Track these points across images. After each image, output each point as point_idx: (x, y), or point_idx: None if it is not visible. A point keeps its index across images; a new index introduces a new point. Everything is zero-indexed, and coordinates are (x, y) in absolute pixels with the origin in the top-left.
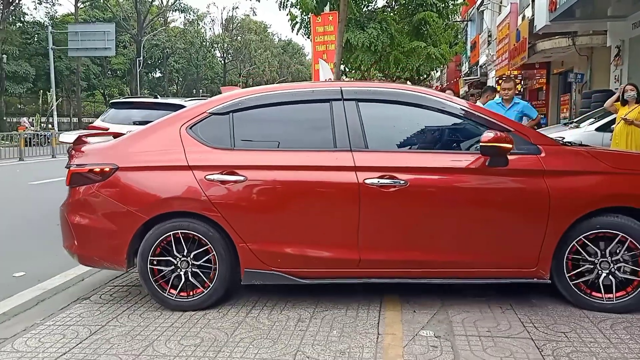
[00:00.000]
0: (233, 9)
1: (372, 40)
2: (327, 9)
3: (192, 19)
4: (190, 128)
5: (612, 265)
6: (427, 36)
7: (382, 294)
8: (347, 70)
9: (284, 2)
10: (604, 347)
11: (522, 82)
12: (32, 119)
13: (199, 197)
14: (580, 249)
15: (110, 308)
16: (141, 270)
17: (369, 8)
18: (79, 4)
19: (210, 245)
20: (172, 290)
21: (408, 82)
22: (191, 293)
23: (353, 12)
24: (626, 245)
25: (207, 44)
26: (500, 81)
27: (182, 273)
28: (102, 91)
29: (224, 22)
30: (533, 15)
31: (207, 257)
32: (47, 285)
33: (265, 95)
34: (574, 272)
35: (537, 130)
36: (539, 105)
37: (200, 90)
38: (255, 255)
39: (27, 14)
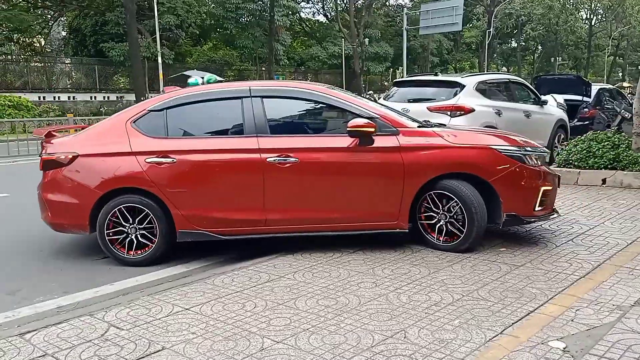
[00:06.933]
0: None
1: None
2: None
3: None
4: (134, 122)
5: (447, 217)
6: None
7: (553, 296)
8: None
9: None
10: None
11: None
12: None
13: (140, 175)
14: (427, 205)
15: (310, 262)
16: (99, 231)
17: None
18: None
19: (149, 212)
20: (127, 251)
21: None
22: (138, 252)
23: None
24: (453, 202)
25: (570, 5)
26: None
27: (131, 235)
28: (454, 65)
29: None
30: None
31: (148, 221)
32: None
33: (191, 94)
34: (425, 221)
35: None
36: None
37: (559, 58)
38: (186, 219)
39: None
